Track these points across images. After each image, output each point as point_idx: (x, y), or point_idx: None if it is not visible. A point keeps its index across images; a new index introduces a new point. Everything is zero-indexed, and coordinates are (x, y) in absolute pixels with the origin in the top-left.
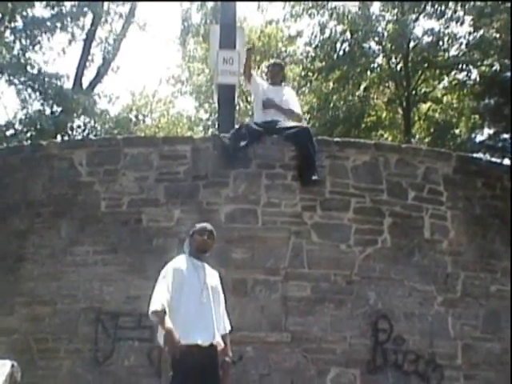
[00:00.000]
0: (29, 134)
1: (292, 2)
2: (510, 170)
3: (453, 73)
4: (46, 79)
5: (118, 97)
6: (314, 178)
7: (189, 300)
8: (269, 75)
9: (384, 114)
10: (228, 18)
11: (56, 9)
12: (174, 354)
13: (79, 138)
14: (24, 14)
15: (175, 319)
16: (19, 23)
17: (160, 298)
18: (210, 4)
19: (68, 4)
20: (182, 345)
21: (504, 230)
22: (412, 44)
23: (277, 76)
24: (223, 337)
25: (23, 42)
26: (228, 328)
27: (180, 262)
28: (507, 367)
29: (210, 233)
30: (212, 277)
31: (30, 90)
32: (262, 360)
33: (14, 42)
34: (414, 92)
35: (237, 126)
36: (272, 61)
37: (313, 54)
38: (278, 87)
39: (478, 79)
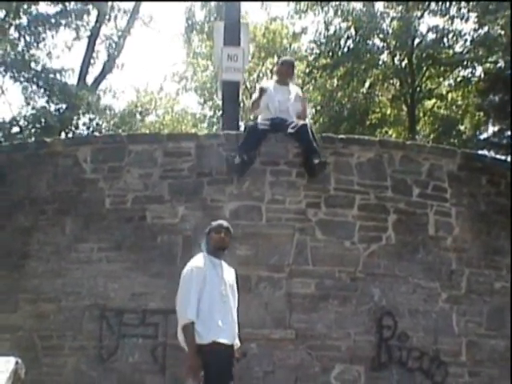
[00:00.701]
0: (33, 131)
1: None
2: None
3: (457, 70)
4: (51, 76)
5: (123, 91)
6: (317, 161)
7: (211, 298)
8: (277, 73)
9: (388, 111)
10: (232, 14)
11: (60, 6)
12: (190, 376)
13: (84, 134)
14: (28, 10)
15: (200, 317)
16: (24, 20)
17: (188, 307)
18: (213, 1)
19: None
20: (207, 344)
21: (508, 226)
22: (417, 41)
23: (285, 75)
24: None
25: (28, 38)
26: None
27: (200, 261)
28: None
29: (227, 230)
30: (229, 274)
31: (34, 87)
32: (266, 357)
33: (19, 38)
34: (418, 89)
35: (243, 134)
36: (283, 58)
37: (317, 51)
38: (284, 87)
39: (482, 76)
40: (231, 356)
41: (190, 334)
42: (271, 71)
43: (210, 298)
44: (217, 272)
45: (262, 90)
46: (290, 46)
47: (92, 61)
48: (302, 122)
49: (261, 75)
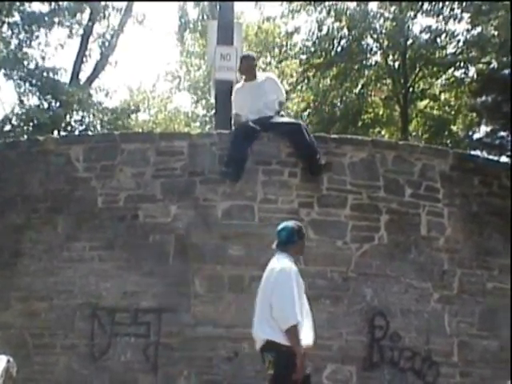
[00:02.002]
0: (26, 129)
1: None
2: (511, 169)
3: (450, 70)
4: (44, 74)
5: (116, 90)
6: (321, 163)
7: (303, 303)
8: (241, 72)
9: (381, 111)
10: (226, 14)
11: (54, 4)
12: (297, 378)
13: (76, 133)
14: (21, 9)
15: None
16: (17, 18)
17: (296, 308)
18: (207, 1)
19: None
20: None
21: (501, 227)
22: (410, 41)
23: (249, 70)
24: None
25: (20, 36)
26: None
27: (291, 263)
28: (504, 365)
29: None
30: None
31: (27, 85)
32: (259, 356)
33: (12, 36)
34: (411, 89)
35: (234, 129)
36: (241, 54)
37: (312, 49)
38: (251, 83)
39: (475, 77)
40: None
41: (299, 335)
42: (264, 70)
43: (301, 302)
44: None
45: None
46: (283, 45)
47: (85, 59)
48: (293, 121)
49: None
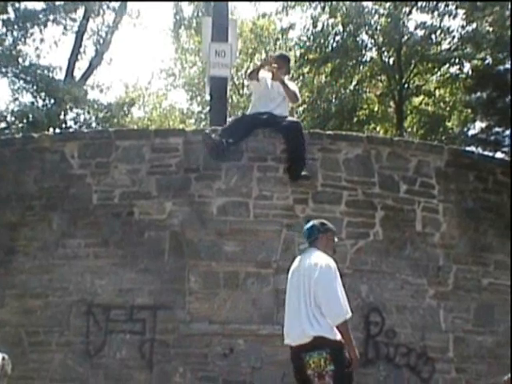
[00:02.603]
0: (21, 127)
1: None
2: (510, 166)
3: (445, 66)
4: (38, 71)
5: (110, 86)
6: (304, 173)
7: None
8: (273, 66)
9: (376, 108)
10: (220, 11)
11: (48, 2)
12: (354, 367)
13: (71, 130)
14: (16, 6)
15: None
16: (11, 15)
17: (345, 303)
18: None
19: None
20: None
21: (496, 223)
22: (405, 38)
23: (281, 69)
24: None
25: (15, 34)
26: None
27: (330, 258)
28: (499, 360)
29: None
30: None
31: (22, 82)
32: (254, 353)
33: (6, 34)
34: (406, 85)
35: (229, 120)
36: (277, 53)
37: (308, 44)
38: (276, 83)
39: (470, 73)
40: None
41: (348, 328)
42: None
43: None
44: None
45: (266, 60)
46: (277, 41)
47: (79, 56)
48: (293, 119)
49: (248, 71)
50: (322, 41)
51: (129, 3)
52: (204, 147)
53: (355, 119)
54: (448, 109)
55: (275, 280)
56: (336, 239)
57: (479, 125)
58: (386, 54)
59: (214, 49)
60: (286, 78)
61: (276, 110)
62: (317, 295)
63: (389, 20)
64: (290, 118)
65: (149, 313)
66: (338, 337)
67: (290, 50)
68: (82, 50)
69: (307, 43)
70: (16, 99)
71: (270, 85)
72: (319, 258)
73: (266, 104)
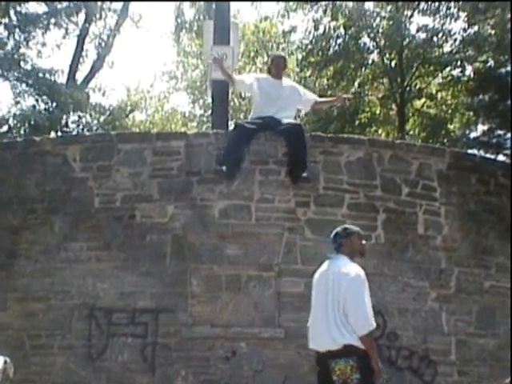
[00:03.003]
0: (23, 130)
1: None
2: (511, 168)
3: (447, 69)
4: (40, 75)
5: (113, 89)
6: (304, 175)
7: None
8: (270, 68)
9: (378, 110)
10: (222, 14)
11: (50, 5)
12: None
13: (73, 133)
14: (18, 9)
15: None
16: (13, 19)
17: (371, 313)
18: (203, 1)
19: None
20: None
21: (498, 225)
22: (406, 40)
23: (278, 69)
24: None
25: (17, 37)
26: None
27: (356, 265)
28: (501, 363)
29: (365, 238)
30: None
31: (23, 86)
32: (256, 356)
33: (8, 37)
34: (408, 88)
35: (232, 129)
36: (274, 53)
37: (310, 47)
38: (278, 81)
39: (472, 75)
40: None
41: (373, 341)
42: (261, 70)
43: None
44: None
45: (216, 60)
46: (279, 44)
47: (81, 59)
48: (294, 122)
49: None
50: (324, 44)
51: (130, 7)
52: (216, 175)
53: (357, 122)
54: (450, 111)
55: (277, 283)
56: (364, 241)
57: (481, 127)
58: (387, 56)
59: (216, 52)
60: (284, 79)
61: (278, 113)
62: (345, 304)
63: (390, 23)
64: (291, 121)
65: (151, 316)
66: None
67: (292, 53)
68: (83, 53)
69: (309, 46)
70: (18, 103)
71: (265, 84)
72: (349, 266)
73: (268, 109)
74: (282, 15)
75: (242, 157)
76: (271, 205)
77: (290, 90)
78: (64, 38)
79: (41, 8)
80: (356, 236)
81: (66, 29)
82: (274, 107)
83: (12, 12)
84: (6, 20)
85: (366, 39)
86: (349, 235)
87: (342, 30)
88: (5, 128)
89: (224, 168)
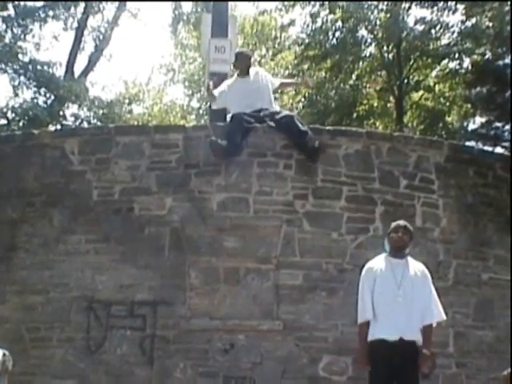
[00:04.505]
0: (21, 123)
1: None
2: (510, 160)
3: (445, 61)
4: (38, 67)
5: (113, 84)
6: (317, 142)
7: (380, 299)
8: (236, 67)
9: (376, 103)
10: (220, 7)
11: None
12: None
13: (72, 126)
14: (16, 3)
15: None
16: (11, 12)
17: (363, 307)
18: None
19: None
20: (370, 342)
21: (496, 218)
22: (404, 33)
23: (243, 67)
24: (427, 327)
25: (15, 30)
26: (437, 317)
27: (375, 262)
28: (500, 355)
29: (405, 228)
30: (415, 271)
31: (22, 79)
32: (254, 348)
33: (6, 30)
34: (406, 81)
35: (229, 119)
36: (237, 51)
37: (307, 40)
38: (245, 78)
39: (470, 68)
40: (403, 351)
41: (362, 333)
42: (259, 63)
43: (378, 298)
44: (393, 273)
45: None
46: (277, 37)
47: (79, 52)
48: (286, 113)
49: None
50: (322, 37)
51: None
52: (212, 154)
53: (355, 115)
54: (448, 104)
55: (275, 275)
56: (394, 235)
57: (479, 120)
58: (385, 49)
59: (214, 45)
60: (251, 72)
61: (255, 106)
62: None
63: (388, 15)
64: (282, 113)
65: (149, 309)
66: (369, 338)
67: (290, 47)
68: (81, 46)
69: (307, 39)
70: (16, 95)
71: (233, 88)
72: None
73: (242, 108)
74: (279, 9)
75: (239, 145)
76: (269, 197)
77: (258, 81)
78: (63, 30)
79: (39, 1)
80: (392, 231)
81: (65, 21)
82: (249, 102)
83: (10, 5)
84: (4, 13)
85: (363, 32)
86: (388, 234)
87: (339, 23)
88: (3, 121)
89: (224, 143)
